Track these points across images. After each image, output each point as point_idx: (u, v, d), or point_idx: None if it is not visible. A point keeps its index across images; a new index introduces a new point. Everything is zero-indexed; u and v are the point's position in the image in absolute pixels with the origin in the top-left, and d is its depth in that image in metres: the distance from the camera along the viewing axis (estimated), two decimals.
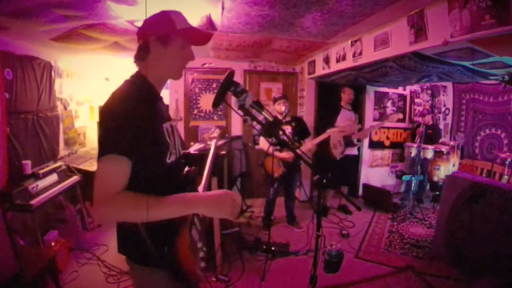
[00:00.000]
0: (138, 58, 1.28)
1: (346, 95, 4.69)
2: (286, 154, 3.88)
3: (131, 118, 1.08)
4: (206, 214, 1.22)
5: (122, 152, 1.05)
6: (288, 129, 4.05)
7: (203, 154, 2.28)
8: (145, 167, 1.14)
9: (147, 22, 1.27)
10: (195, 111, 5.39)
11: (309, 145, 4.03)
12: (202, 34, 1.34)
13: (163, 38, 1.23)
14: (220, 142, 4.09)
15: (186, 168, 1.41)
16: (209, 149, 2.07)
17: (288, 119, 4.10)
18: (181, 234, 1.25)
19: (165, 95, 4.75)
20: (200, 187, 1.58)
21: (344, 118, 4.63)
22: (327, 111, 4.94)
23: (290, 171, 4.05)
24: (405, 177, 5.23)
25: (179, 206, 1.12)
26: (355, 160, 4.88)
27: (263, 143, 4.16)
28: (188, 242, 1.29)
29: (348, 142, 4.47)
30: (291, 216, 4.39)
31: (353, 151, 4.74)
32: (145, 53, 1.25)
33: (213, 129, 2.22)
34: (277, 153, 3.88)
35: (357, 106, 5.63)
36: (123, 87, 1.19)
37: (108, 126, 1.08)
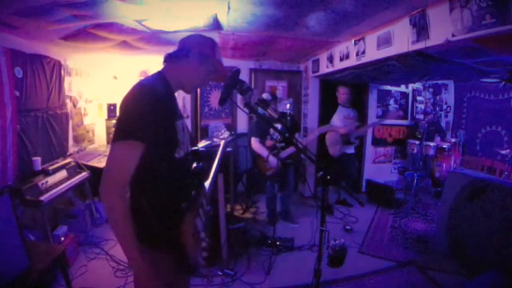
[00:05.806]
0: (173, 58, 1.38)
1: (340, 94, 4.68)
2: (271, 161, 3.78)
3: (155, 109, 1.16)
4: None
5: (142, 139, 1.13)
6: (278, 126, 3.74)
7: (209, 151, 2.33)
8: (154, 159, 1.22)
9: (196, 37, 1.43)
10: (206, 109, 5.40)
11: (311, 136, 4.02)
12: (225, 72, 1.50)
13: (202, 56, 1.37)
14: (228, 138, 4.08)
15: (194, 164, 1.46)
16: (216, 145, 2.09)
17: (277, 116, 4.01)
18: (186, 222, 1.33)
19: None
20: (206, 183, 1.63)
21: (342, 116, 4.64)
22: (331, 109, 4.97)
23: (283, 167, 3.90)
24: (408, 173, 5.28)
25: (128, 245, 1.15)
26: (352, 158, 4.83)
27: (254, 143, 3.89)
28: (192, 230, 1.36)
29: (346, 140, 4.48)
30: (285, 212, 4.33)
31: (350, 149, 4.71)
32: (183, 57, 1.36)
33: (223, 131, 2.22)
34: (271, 158, 3.76)
35: (361, 104, 5.67)
36: (149, 80, 1.28)
37: (132, 112, 1.15)
